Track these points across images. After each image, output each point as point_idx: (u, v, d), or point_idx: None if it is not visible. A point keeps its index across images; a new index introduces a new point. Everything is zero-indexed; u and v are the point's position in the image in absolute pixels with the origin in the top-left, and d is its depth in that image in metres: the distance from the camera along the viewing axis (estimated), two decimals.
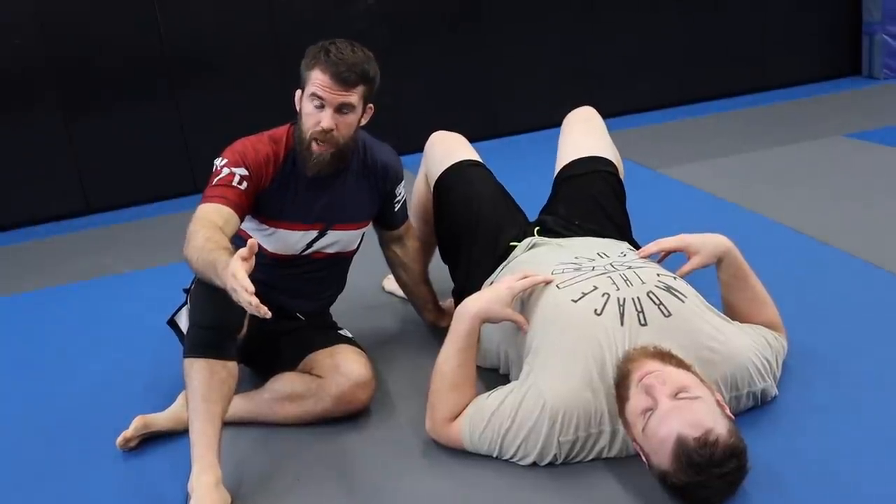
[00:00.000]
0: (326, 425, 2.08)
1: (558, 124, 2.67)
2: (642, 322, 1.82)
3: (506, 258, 2.25)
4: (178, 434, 2.08)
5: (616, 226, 2.35)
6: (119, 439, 2.08)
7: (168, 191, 4.86)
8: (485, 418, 1.84)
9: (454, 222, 2.41)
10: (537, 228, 2.32)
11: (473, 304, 1.95)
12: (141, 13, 4.64)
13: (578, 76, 5.37)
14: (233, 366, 1.88)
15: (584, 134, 2.58)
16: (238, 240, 2.02)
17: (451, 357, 1.92)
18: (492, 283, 2.16)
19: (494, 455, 1.85)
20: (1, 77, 4.54)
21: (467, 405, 1.90)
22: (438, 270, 2.59)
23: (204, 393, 1.82)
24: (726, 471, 1.54)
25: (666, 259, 2.10)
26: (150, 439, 2.12)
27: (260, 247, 1.85)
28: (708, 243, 2.04)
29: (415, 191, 2.62)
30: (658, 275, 1.94)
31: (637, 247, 2.26)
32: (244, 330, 1.90)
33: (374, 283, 2.97)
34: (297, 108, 2.10)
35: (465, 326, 1.92)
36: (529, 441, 1.79)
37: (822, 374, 2.06)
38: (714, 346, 1.83)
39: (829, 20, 5.79)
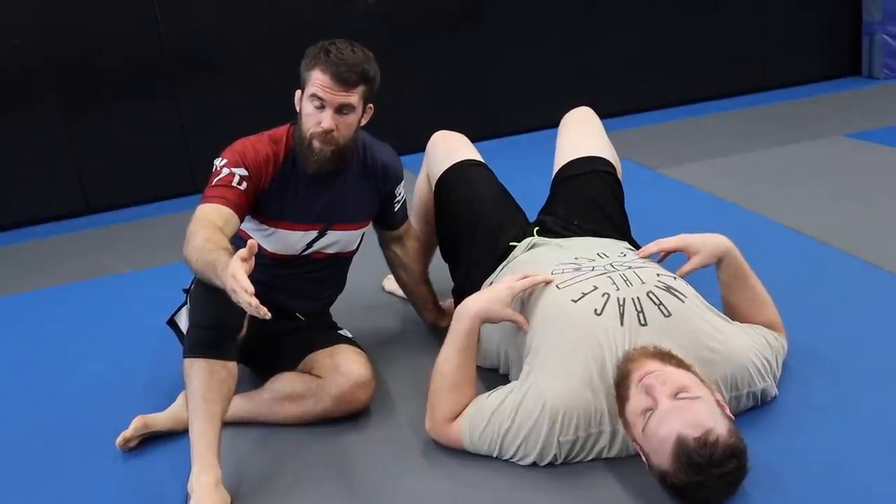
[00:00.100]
0: (326, 425, 2.08)
1: (558, 124, 2.67)
2: (642, 322, 1.82)
3: (505, 258, 2.25)
4: (178, 434, 2.08)
5: (615, 226, 2.35)
6: (119, 439, 2.08)
7: (168, 191, 4.86)
8: (485, 418, 1.84)
9: (455, 222, 2.41)
10: (537, 229, 2.32)
11: (473, 304, 1.95)
12: (141, 13, 4.64)
13: (578, 76, 5.37)
14: (233, 366, 1.88)
15: (581, 134, 2.58)
16: (238, 240, 2.02)
17: (450, 357, 1.92)
18: (491, 283, 2.16)
19: (494, 455, 1.85)
20: (1, 77, 4.54)
21: (467, 405, 1.90)
22: (438, 270, 2.59)
23: (204, 393, 1.82)
24: (726, 471, 1.54)
25: (666, 259, 2.10)
26: (150, 439, 2.12)
27: (260, 247, 1.85)
28: (708, 243, 2.04)
29: (416, 190, 2.62)
30: (658, 275, 1.94)
31: (637, 247, 2.26)
32: (244, 330, 1.90)
33: (374, 283, 2.97)
34: (297, 109, 2.10)
35: (464, 326, 1.92)
36: (529, 441, 1.79)
37: (822, 374, 2.06)
38: (714, 346, 1.83)
39: (829, 20, 5.79)
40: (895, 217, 3.10)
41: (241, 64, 4.86)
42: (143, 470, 2.03)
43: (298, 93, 2.09)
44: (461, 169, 2.46)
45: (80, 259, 3.94)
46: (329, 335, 2.25)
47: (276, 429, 2.11)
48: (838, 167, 3.88)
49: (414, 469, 1.90)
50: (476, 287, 2.17)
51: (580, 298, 1.87)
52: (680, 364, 1.71)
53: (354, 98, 2.03)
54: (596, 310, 1.84)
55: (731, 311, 2.07)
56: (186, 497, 1.79)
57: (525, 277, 1.97)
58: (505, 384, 1.91)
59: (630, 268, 1.95)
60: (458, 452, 1.90)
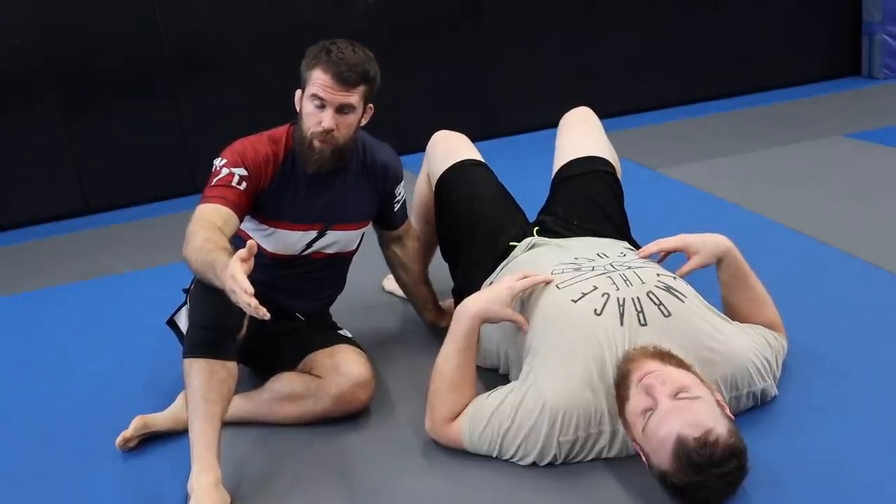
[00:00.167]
0: (326, 425, 2.08)
1: (558, 124, 2.67)
2: (642, 322, 1.82)
3: (505, 258, 2.25)
4: (178, 434, 2.08)
5: (615, 225, 2.35)
6: (119, 439, 2.08)
7: (168, 191, 4.86)
8: (484, 418, 1.84)
9: (455, 222, 2.41)
10: (537, 228, 2.32)
11: (473, 304, 1.95)
12: (141, 13, 4.63)
13: (578, 76, 5.37)
14: (232, 366, 1.88)
15: (581, 134, 2.58)
16: (237, 240, 2.02)
17: (450, 357, 1.92)
18: (491, 283, 2.16)
19: (494, 455, 1.85)
20: (1, 77, 4.54)
21: (467, 405, 1.90)
22: (438, 270, 2.59)
23: (203, 393, 1.82)
24: (726, 471, 1.54)
25: (666, 259, 2.10)
26: (150, 439, 2.12)
27: (259, 247, 1.85)
28: (708, 243, 2.04)
29: (416, 190, 2.62)
30: (658, 275, 1.94)
31: (636, 246, 2.26)
32: (244, 330, 1.90)
33: (374, 283, 2.97)
34: (298, 108, 2.10)
35: (464, 326, 1.92)
36: (529, 441, 1.78)
37: (822, 374, 2.06)
38: (714, 346, 1.83)
39: (829, 20, 5.79)
40: (895, 217, 3.10)
41: (240, 64, 4.86)
42: (143, 470, 2.03)
43: (299, 92, 2.09)
44: (461, 169, 2.46)
45: (79, 259, 3.94)
46: (329, 335, 2.25)
47: (275, 429, 2.11)
48: (838, 167, 3.88)
49: (414, 469, 1.90)
50: (476, 287, 2.17)
51: (580, 298, 1.87)
52: (680, 364, 1.71)
53: (355, 98, 2.03)
54: (596, 310, 1.84)
55: (731, 311, 2.07)
56: (186, 497, 1.79)
57: (525, 277, 1.97)
58: (505, 384, 1.91)
59: (630, 268, 1.95)
60: (458, 452, 1.90)
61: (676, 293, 1.88)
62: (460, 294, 2.23)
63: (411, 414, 2.10)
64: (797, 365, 2.08)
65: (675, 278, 1.96)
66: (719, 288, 2.10)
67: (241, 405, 2.10)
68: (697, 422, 1.55)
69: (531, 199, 2.54)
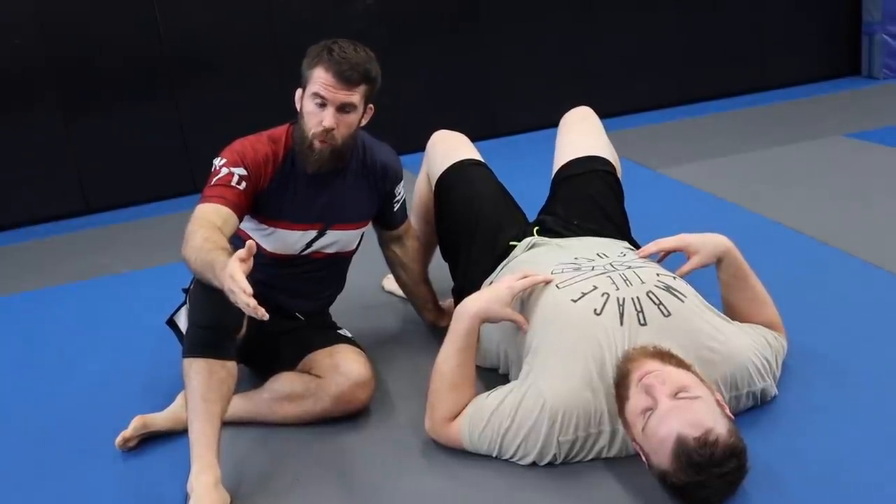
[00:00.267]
0: (326, 425, 2.08)
1: (557, 124, 2.67)
2: (642, 322, 1.82)
3: (505, 258, 2.25)
4: (178, 434, 2.08)
5: (615, 225, 2.35)
6: (118, 439, 2.08)
7: (167, 191, 4.85)
8: (484, 418, 1.84)
9: (455, 221, 2.41)
10: (536, 228, 2.32)
11: (473, 303, 1.95)
12: (141, 13, 4.63)
13: (577, 76, 5.37)
14: (232, 366, 1.88)
15: (581, 134, 2.58)
16: (237, 240, 2.02)
17: (450, 357, 1.92)
18: (491, 283, 2.16)
19: (494, 455, 1.84)
20: (1, 77, 4.53)
21: (467, 405, 1.90)
22: (438, 270, 2.59)
23: (203, 393, 1.82)
24: (726, 471, 1.54)
25: (666, 259, 2.10)
26: (150, 439, 2.12)
27: (259, 246, 1.85)
28: (708, 243, 2.04)
29: (416, 190, 2.62)
30: (657, 274, 1.94)
31: (636, 246, 2.26)
32: (243, 330, 1.89)
33: (374, 283, 2.97)
34: (298, 108, 2.10)
35: (464, 326, 1.92)
36: (529, 441, 1.78)
37: (822, 374, 2.06)
38: (714, 346, 1.83)
39: (829, 20, 5.79)
40: (895, 217, 3.10)
41: (240, 64, 4.86)
42: (143, 470, 2.03)
43: (299, 92, 2.09)
44: (461, 168, 2.46)
45: (79, 259, 3.94)
46: (328, 335, 2.25)
47: (275, 429, 2.11)
48: (838, 167, 3.88)
49: (414, 469, 1.90)
50: (476, 287, 2.17)
51: (580, 298, 1.87)
52: (680, 364, 1.71)
53: (356, 97, 2.03)
54: (595, 309, 1.84)
55: (731, 311, 2.07)
56: (186, 497, 1.78)
57: (525, 277, 1.97)
58: (505, 384, 1.91)
59: (630, 267, 1.95)
60: (458, 452, 1.89)
61: (676, 293, 1.88)
62: (460, 294, 2.23)
63: (411, 414, 2.10)
64: (797, 365, 2.08)
65: (674, 278, 1.96)
66: (719, 288, 2.10)
67: (241, 405, 2.10)
68: (697, 421, 1.55)
69: (530, 199, 2.54)
